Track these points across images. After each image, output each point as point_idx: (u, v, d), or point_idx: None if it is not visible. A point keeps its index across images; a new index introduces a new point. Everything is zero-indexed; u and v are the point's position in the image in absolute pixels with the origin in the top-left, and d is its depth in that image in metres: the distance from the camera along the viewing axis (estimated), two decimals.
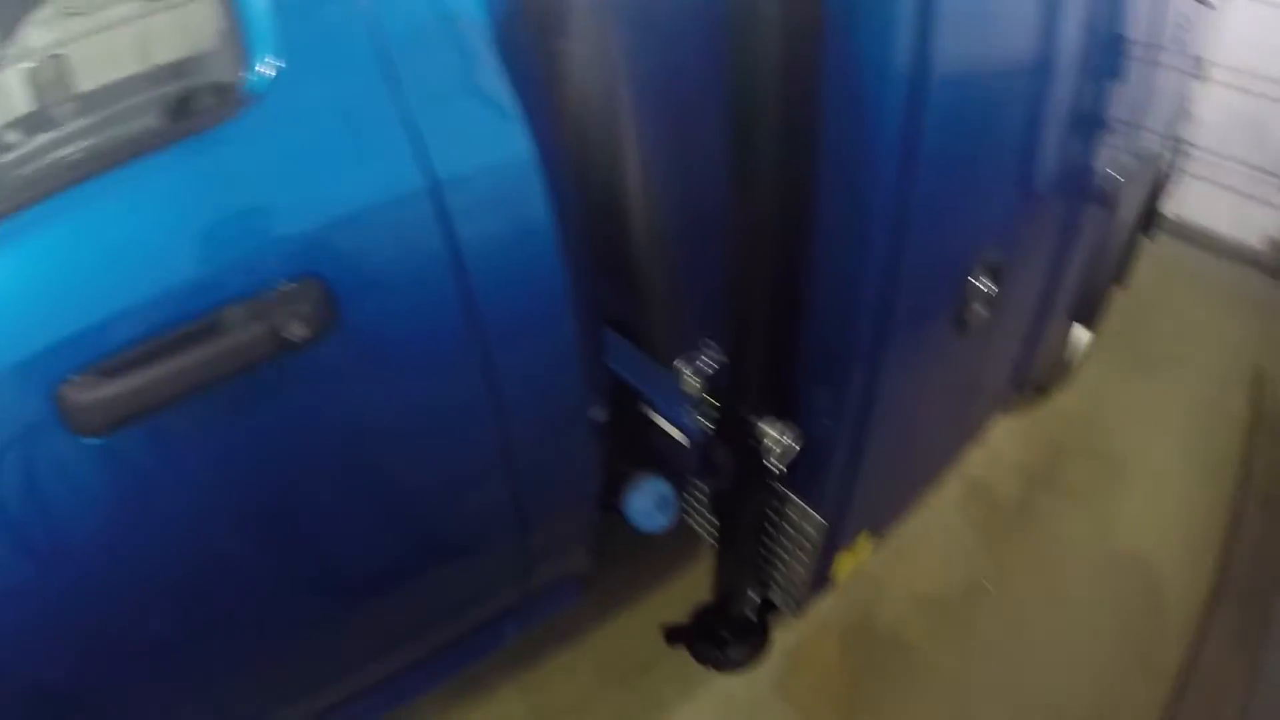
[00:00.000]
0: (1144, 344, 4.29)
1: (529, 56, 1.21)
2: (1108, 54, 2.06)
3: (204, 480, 1.05)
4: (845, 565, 1.97)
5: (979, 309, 1.72)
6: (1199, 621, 2.74)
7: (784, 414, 1.58)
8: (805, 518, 1.73)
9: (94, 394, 0.87)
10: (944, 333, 1.72)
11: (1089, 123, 2.12)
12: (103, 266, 0.90)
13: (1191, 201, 5.78)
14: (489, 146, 1.12)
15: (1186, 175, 5.63)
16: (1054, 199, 2.12)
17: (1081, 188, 2.24)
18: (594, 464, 1.63)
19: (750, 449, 1.59)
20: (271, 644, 1.33)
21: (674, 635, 2.27)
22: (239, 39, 0.96)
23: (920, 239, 1.40)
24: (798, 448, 1.59)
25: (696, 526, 2.07)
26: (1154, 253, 4.03)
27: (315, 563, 1.28)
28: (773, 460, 1.58)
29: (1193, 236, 5.83)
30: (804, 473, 1.67)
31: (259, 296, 0.96)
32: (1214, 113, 5.65)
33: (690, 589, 2.51)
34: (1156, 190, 3.21)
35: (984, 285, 1.69)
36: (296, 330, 0.96)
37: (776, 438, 1.55)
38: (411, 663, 1.67)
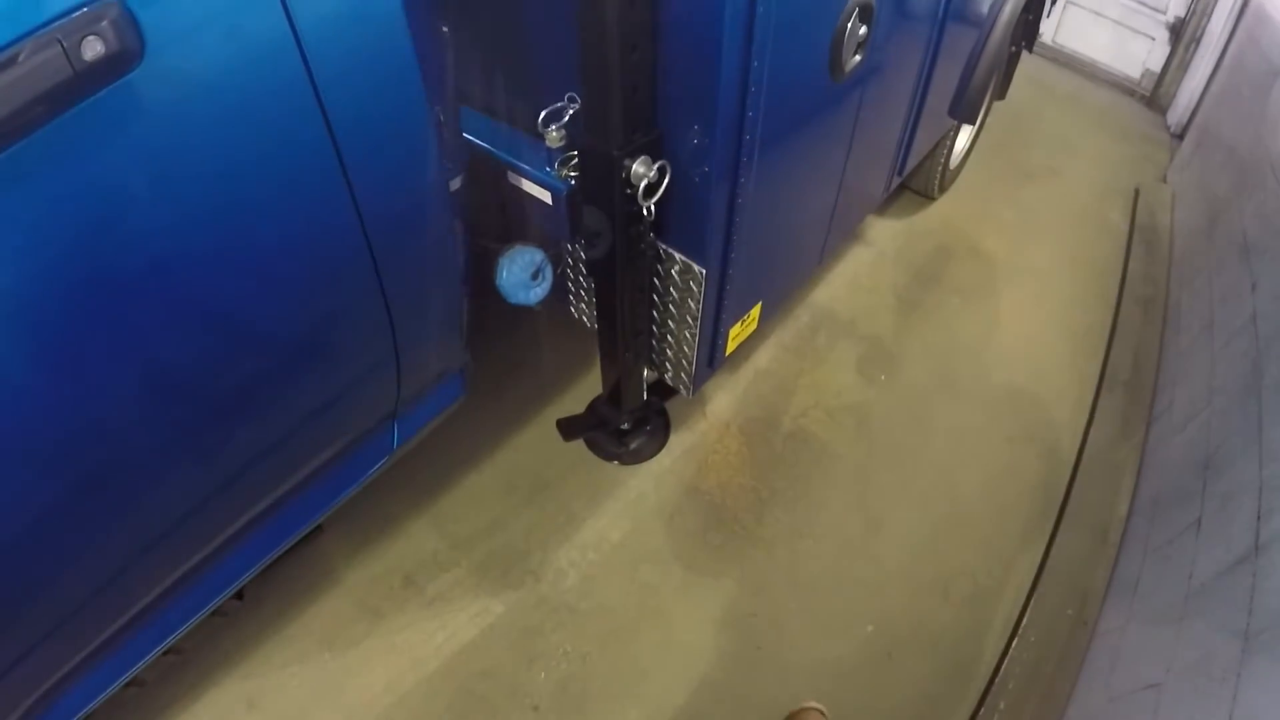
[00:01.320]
0: (1024, 157, 4.42)
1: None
2: None
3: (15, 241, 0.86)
4: (737, 337, 1.94)
5: (852, 55, 1.67)
6: (1087, 409, 2.89)
7: (655, 153, 1.51)
8: (688, 274, 1.68)
9: None
10: (817, 77, 1.66)
11: None
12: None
13: (1072, 29, 5.86)
14: None
15: (1068, 2, 5.71)
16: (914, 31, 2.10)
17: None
18: (456, 238, 1.53)
19: (621, 193, 1.51)
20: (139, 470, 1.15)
21: (568, 428, 2.23)
22: None
23: None
24: (666, 193, 1.53)
25: (578, 314, 2.01)
26: (1034, 75, 4.11)
27: (165, 358, 1.09)
28: (644, 204, 1.51)
29: (1072, 63, 5.95)
30: (683, 224, 1.62)
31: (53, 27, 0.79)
32: None
33: (586, 393, 2.50)
34: (1036, 4, 3.20)
35: (856, 28, 1.64)
36: (91, 49, 0.80)
37: (646, 175, 1.48)
38: (306, 479, 1.55)
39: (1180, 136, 5.32)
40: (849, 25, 1.63)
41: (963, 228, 3.71)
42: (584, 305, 1.98)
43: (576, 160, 1.57)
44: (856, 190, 2.41)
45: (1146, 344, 3.22)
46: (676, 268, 1.70)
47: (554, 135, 1.56)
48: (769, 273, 2.04)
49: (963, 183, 3.96)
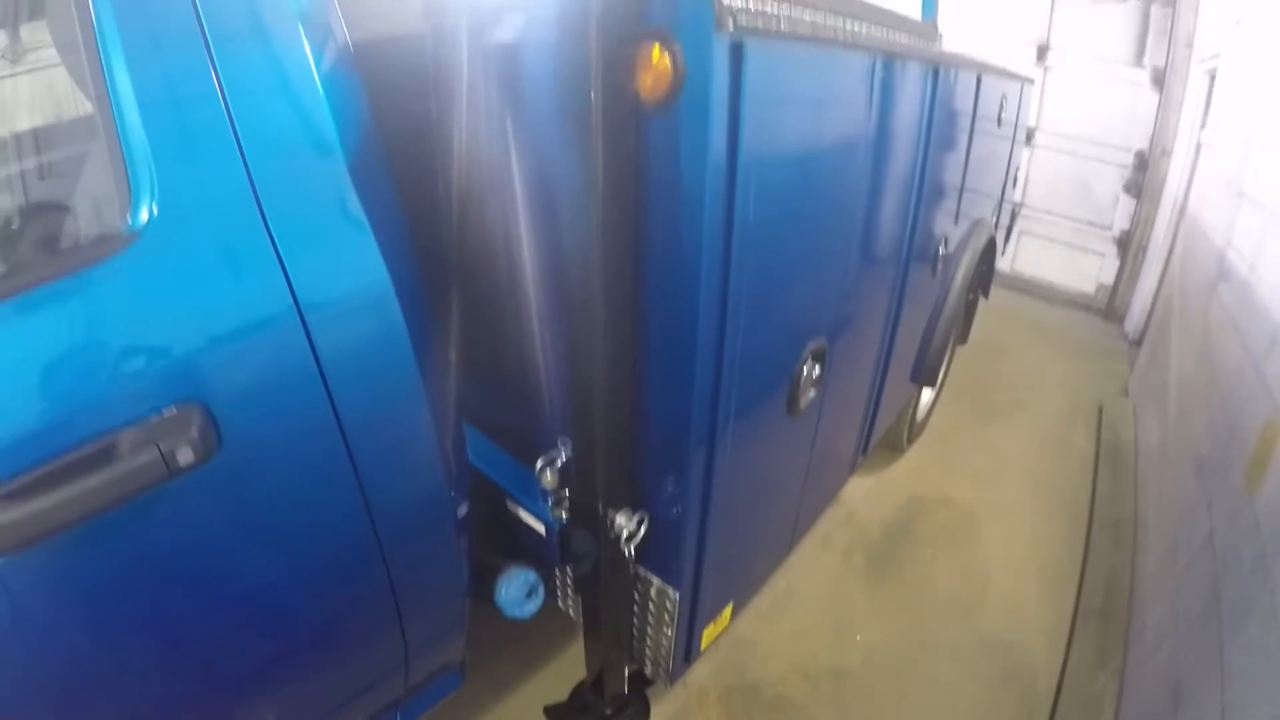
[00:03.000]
0: (989, 394, 4.63)
1: (383, 186, 1.36)
2: (927, 151, 2.35)
3: (98, 590, 1.11)
4: (710, 635, 2.10)
5: (807, 392, 1.92)
6: (1064, 642, 2.93)
7: (635, 503, 1.73)
8: (664, 595, 1.87)
9: None
10: (777, 417, 1.91)
11: (911, 211, 2.39)
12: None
13: (1027, 256, 6.35)
14: (347, 270, 1.25)
15: (1020, 233, 6.18)
16: (876, 285, 2.36)
17: (905, 269, 2.49)
18: (461, 557, 1.74)
19: (606, 535, 1.72)
20: None
21: (555, 715, 2.35)
22: (122, 180, 1.05)
23: (743, 340, 1.58)
24: (644, 534, 1.74)
25: (565, 608, 2.18)
26: (994, 306, 4.39)
27: (204, 667, 1.33)
28: (625, 546, 1.72)
29: (1030, 288, 6.37)
30: (658, 554, 1.81)
31: (145, 421, 1.05)
32: (1043, 174, 6.28)
33: (571, 670, 2.58)
34: (989, 254, 3.56)
35: (810, 371, 1.90)
36: (185, 456, 1.06)
37: (626, 526, 1.69)
38: None
39: (1138, 343, 5.63)
40: (804, 370, 1.89)
41: (932, 476, 3.84)
42: (570, 602, 2.15)
43: (568, 502, 1.79)
44: (820, 484, 2.59)
45: (1118, 568, 3.29)
46: (654, 589, 1.88)
47: (548, 478, 1.78)
48: (739, 579, 2.22)
49: (931, 429, 4.13)
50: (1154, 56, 6.18)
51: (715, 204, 1.32)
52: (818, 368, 1.95)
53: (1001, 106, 3.37)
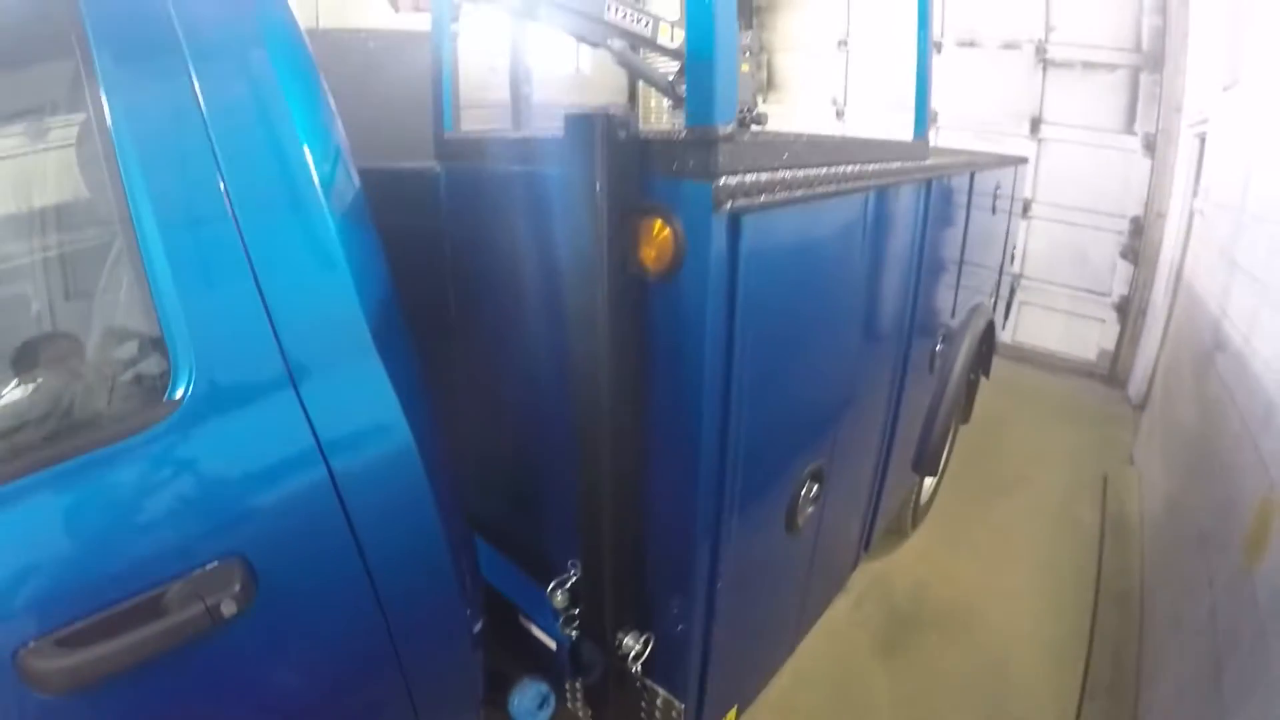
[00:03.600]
0: (994, 469, 4.65)
1: (402, 348, 1.47)
2: (922, 260, 2.44)
3: None
4: None
5: (806, 510, 1.99)
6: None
7: (642, 624, 1.79)
8: (670, 705, 1.92)
9: (53, 663, 1.05)
10: (776, 535, 1.98)
11: (907, 320, 2.48)
12: (56, 548, 1.08)
13: (1028, 326, 6.43)
14: (375, 436, 1.37)
15: (1020, 303, 6.27)
16: (873, 396, 2.44)
17: (902, 374, 2.58)
18: (477, 670, 1.82)
19: (614, 654, 1.79)
20: None
21: None
22: (163, 357, 1.17)
23: (742, 473, 1.65)
24: (651, 650, 1.80)
25: (574, 709, 2.23)
26: (996, 378, 4.45)
27: None
28: (632, 664, 1.78)
29: (1032, 358, 6.44)
30: (664, 667, 1.87)
31: (190, 576, 1.16)
32: (1041, 244, 6.40)
33: None
34: (988, 336, 3.64)
35: (808, 491, 1.97)
36: (228, 608, 1.16)
37: (633, 646, 1.76)
38: None
39: (1142, 407, 5.64)
40: (802, 491, 1.97)
41: (938, 558, 3.84)
42: (581, 713, 2.21)
43: (578, 621, 1.86)
44: (823, 583, 2.63)
45: (1125, 642, 3.29)
46: (660, 699, 1.93)
47: (559, 599, 1.85)
48: (743, 683, 2.27)
49: (936, 509, 4.13)
50: (1144, 123, 6.33)
51: (715, 362, 1.41)
52: (815, 486, 2.02)
53: (995, 195, 3.48)
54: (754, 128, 5.33)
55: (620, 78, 7.62)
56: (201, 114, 1.19)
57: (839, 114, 8.18)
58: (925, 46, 2.35)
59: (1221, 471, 2.80)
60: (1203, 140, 5.22)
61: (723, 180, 1.29)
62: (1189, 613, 2.63)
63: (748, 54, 5.26)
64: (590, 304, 1.41)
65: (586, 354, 1.48)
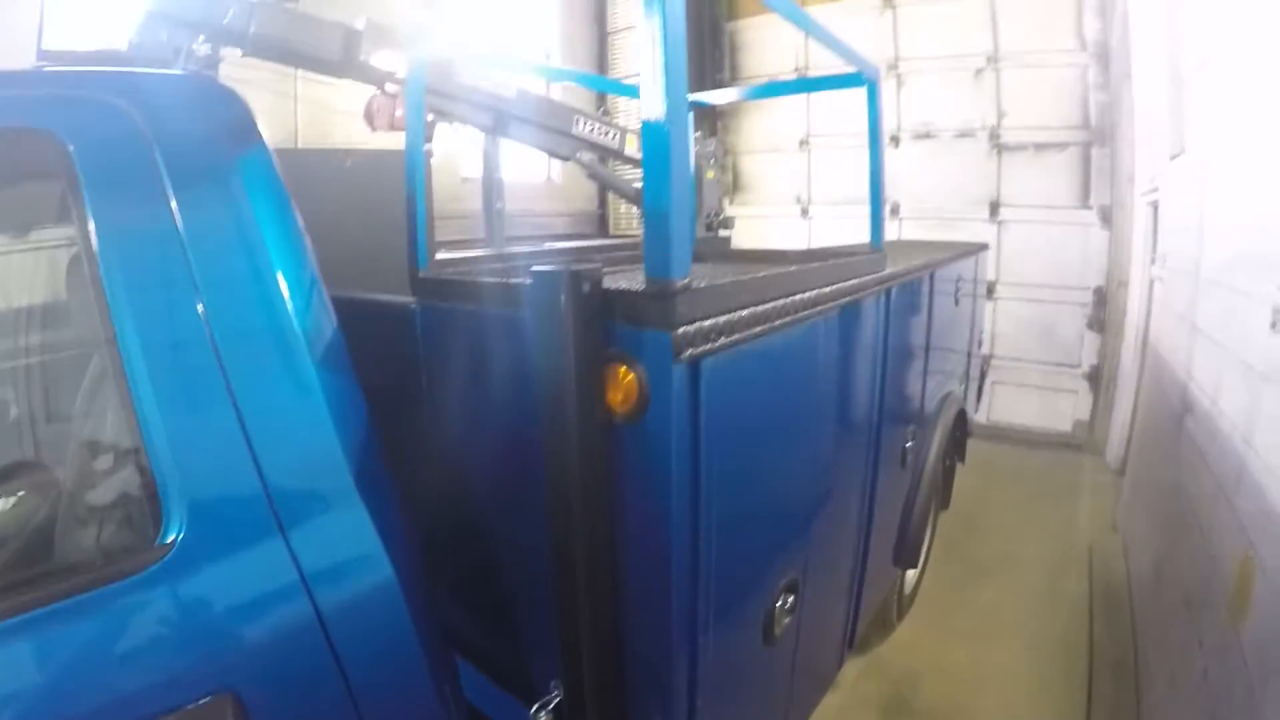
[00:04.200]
0: (978, 551, 4.65)
1: (382, 485, 1.52)
2: (885, 365, 2.52)
3: None
4: None
5: (782, 621, 2.02)
6: None
7: None
8: None
9: None
10: (754, 648, 2.00)
11: (874, 424, 2.55)
12: (53, 683, 1.11)
13: (1001, 404, 6.55)
14: (358, 572, 1.43)
15: (992, 383, 6.39)
16: (845, 503, 2.48)
17: (874, 475, 2.63)
18: None
19: None
20: None
21: None
22: (155, 504, 1.22)
23: (715, 593, 1.69)
24: None
25: None
26: (974, 459, 4.55)
27: None
28: None
29: (1008, 435, 6.53)
30: None
31: (184, 711, 1.18)
32: (1008, 324, 6.57)
33: None
34: (961, 423, 3.72)
35: (784, 603, 2.00)
36: None
37: None
38: None
39: (1122, 472, 5.67)
40: (777, 604, 2.00)
41: (927, 647, 3.81)
42: None
43: None
44: (807, 686, 2.61)
45: (1122, 709, 3.28)
46: None
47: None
48: None
49: (923, 597, 4.12)
50: (1099, 196, 6.62)
51: (682, 497, 1.48)
52: (791, 598, 2.05)
53: (957, 286, 3.60)
54: (721, 232, 5.51)
55: (590, 186, 7.84)
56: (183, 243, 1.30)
57: (804, 212, 8.45)
58: (877, 164, 2.48)
59: (1201, 533, 2.85)
60: (1155, 208, 5.39)
61: (681, 330, 1.37)
62: (1181, 675, 2.65)
63: (713, 160, 5.45)
64: (563, 442, 1.48)
65: (560, 488, 1.53)
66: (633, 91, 3.39)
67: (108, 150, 1.30)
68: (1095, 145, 6.60)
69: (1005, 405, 6.78)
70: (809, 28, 2.11)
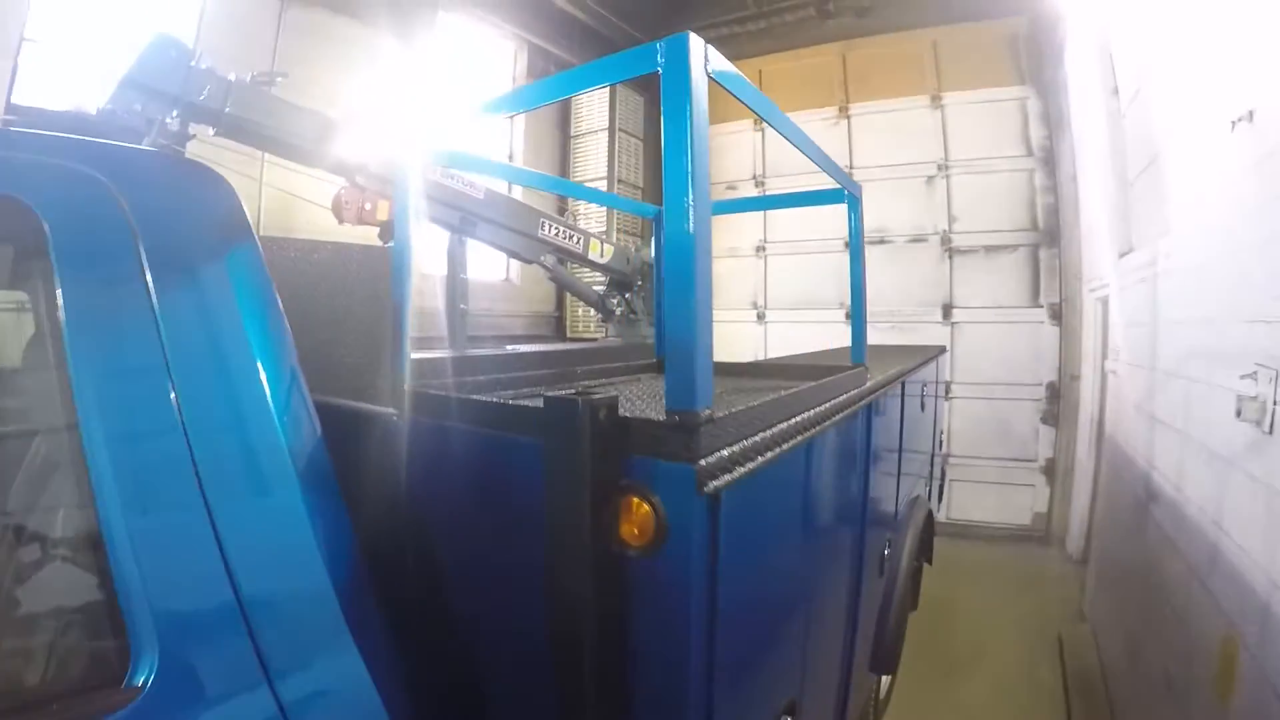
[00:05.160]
0: (948, 649, 4.68)
1: (373, 625, 1.45)
2: (869, 473, 2.56)
3: None
4: None
5: None
6: None
7: None
8: None
9: None
10: None
11: (860, 536, 2.57)
12: None
13: (959, 501, 6.68)
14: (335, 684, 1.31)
15: (950, 480, 6.51)
16: (836, 619, 2.49)
17: (859, 587, 2.64)
18: None
19: None
20: None
21: None
22: (123, 645, 1.08)
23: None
24: None
25: None
26: (938, 557, 4.57)
27: None
28: None
29: (969, 532, 6.65)
30: None
31: None
32: (964, 423, 6.74)
33: None
34: (929, 525, 3.75)
35: None
36: None
37: None
38: None
39: (1083, 561, 5.81)
40: None
41: None
42: None
43: None
44: None
45: None
46: None
47: None
48: None
49: (896, 701, 4.08)
50: (1049, 294, 6.92)
51: (699, 632, 1.45)
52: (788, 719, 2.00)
53: (923, 390, 3.67)
54: None
55: (548, 288, 7.91)
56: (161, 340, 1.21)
57: (760, 316, 8.67)
58: (859, 278, 2.55)
59: (1176, 617, 2.95)
60: (1105, 304, 5.63)
61: (704, 461, 1.36)
62: None
63: None
64: (575, 574, 1.44)
65: (568, 621, 1.49)
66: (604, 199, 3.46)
67: (83, 222, 1.22)
68: (1043, 246, 6.93)
69: (964, 502, 6.90)
70: (801, 143, 2.15)
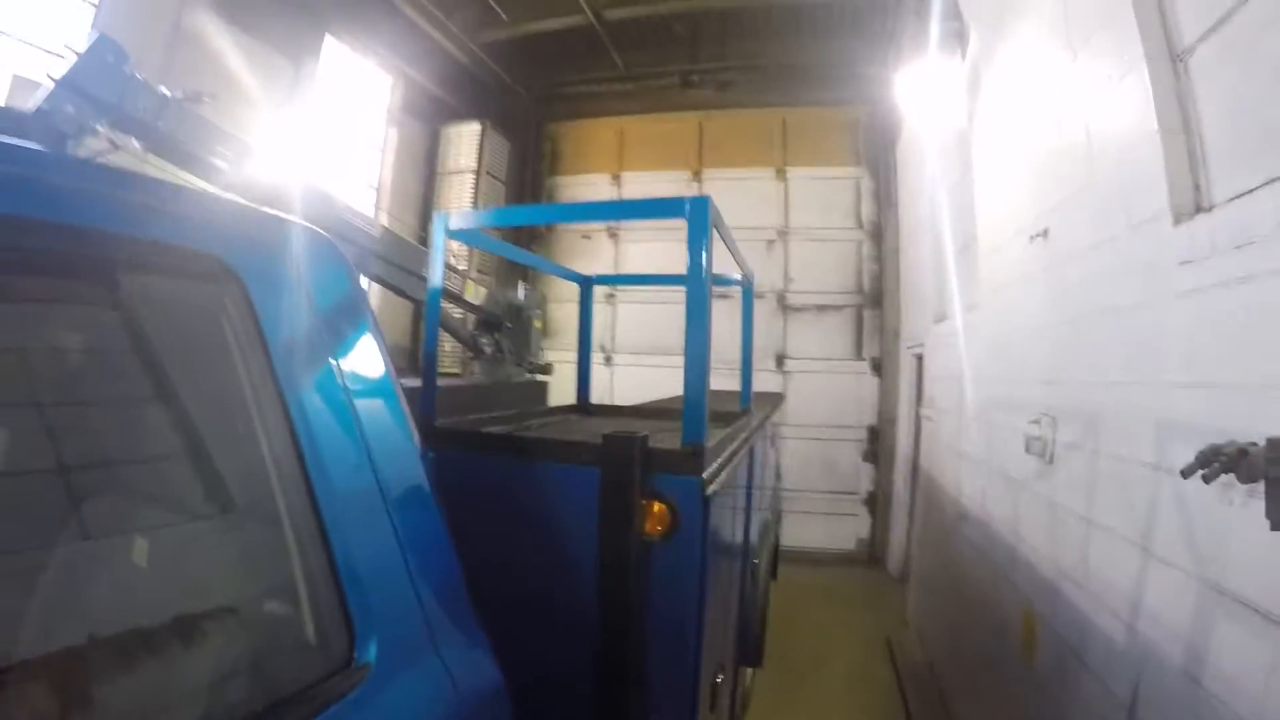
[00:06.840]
0: (791, 658, 5.16)
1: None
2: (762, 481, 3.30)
3: None
4: None
5: (722, 693, 2.60)
6: None
7: None
8: None
9: None
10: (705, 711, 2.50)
11: (752, 536, 3.28)
12: None
13: (791, 530, 7.23)
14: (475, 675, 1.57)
15: (783, 511, 7.24)
16: (729, 604, 3.11)
17: (742, 581, 3.30)
18: None
19: None
20: None
21: None
22: (351, 632, 1.30)
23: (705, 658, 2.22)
24: None
25: None
26: (781, 584, 5.24)
27: None
28: None
29: (799, 556, 7.25)
30: None
31: None
32: (794, 460, 7.45)
33: None
34: (776, 544, 4.48)
35: (720, 679, 2.58)
36: None
37: None
38: None
39: (903, 578, 6.74)
40: (717, 678, 2.55)
41: None
42: None
43: None
44: None
45: None
46: None
47: None
48: None
49: (757, 696, 4.48)
50: (870, 349, 7.97)
51: (700, 594, 2.06)
52: (721, 677, 2.61)
53: (774, 430, 4.47)
54: (539, 376, 5.86)
55: (404, 321, 7.94)
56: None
57: (608, 359, 9.01)
58: (748, 348, 3.38)
59: (987, 606, 3.63)
60: (920, 359, 6.56)
61: (704, 474, 2.00)
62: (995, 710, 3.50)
63: (538, 311, 5.85)
64: (621, 557, 1.98)
65: (620, 589, 2.00)
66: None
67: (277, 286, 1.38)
68: (867, 307, 7.98)
69: (795, 530, 7.43)
70: (733, 250, 2.86)
